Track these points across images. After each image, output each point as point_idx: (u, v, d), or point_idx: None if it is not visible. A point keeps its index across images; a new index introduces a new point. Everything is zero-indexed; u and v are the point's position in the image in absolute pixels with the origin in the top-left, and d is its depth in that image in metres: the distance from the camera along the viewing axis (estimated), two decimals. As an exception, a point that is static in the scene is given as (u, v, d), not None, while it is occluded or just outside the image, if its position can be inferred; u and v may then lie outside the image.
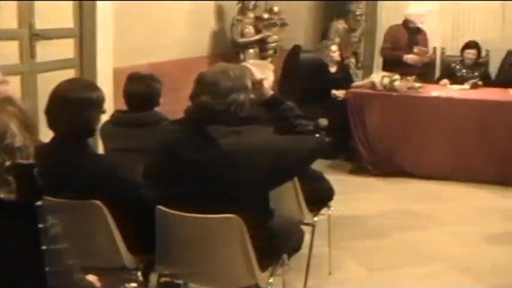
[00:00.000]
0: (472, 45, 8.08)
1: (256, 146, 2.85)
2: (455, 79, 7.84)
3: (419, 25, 8.04)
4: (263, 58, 7.92)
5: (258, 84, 3.16)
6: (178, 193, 2.87)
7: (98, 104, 2.91)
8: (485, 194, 6.48)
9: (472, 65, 8.00)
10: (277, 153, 2.88)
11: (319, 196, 4.04)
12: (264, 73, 3.52)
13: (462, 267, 4.75)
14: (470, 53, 7.99)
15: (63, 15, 5.49)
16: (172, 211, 2.87)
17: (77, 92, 2.87)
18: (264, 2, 8.48)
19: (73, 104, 2.83)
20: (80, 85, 3.02)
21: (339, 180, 6.36)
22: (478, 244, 5.24)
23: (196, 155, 2.82)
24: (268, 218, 3.01)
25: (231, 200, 2.80)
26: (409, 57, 7.84)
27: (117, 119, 3.93)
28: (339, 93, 7.63)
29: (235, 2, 7.93)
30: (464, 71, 7.97)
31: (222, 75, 2.86)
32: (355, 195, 6.27)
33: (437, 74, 8.56)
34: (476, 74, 7.90)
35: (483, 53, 8.38)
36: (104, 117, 3.45)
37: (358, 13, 8.49)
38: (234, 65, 3.06)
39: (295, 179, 3.62)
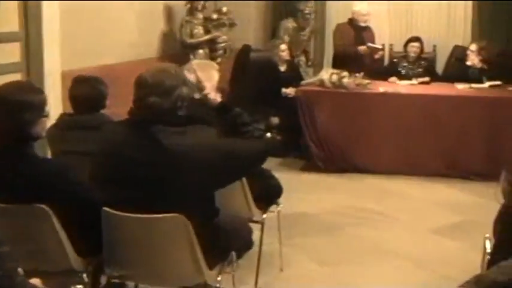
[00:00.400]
0: (414, 39, 8.17)
1: (201, 147, 2.87)
2: (400, 74, 7.91)
3: (363, 24, 8.13)
4: (213, 58, 7.92)
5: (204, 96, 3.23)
6: (125, 195, 2.87)
7: (38, 107, 2.88)
8: (435, 187, 6.58)
9: (415, 59, 8.08)
10: (223, 153, 2.91)
11: (268, 193, 4.07)
12: (208, 73, 3.55)
13: (415, 260, 4.83)
14: (414, 47, 8.07)
15: (7, 16, 5.41)
16: (118, 212, 2.87)
17: (16, 94, 2.84)
18: (213, 2, 8.50)
19: (12, 107, 2.80)
20: (20, 87, 2.99)
21: (290, 177, 6.42)
22: (430, 237, 5.32)
23: (141, 156, 2.83)
24: (214, 216, 3.03)
25: (177, 199, 2.81)
26: (362, 48, 7.93)
27: (63, 122, 3.92)
28: (290, 91, 7.69)
29: (184, 2, 7.93)
30: (408, 65, 8.05)
31: (164, 74, 2.90)
32: (307, 192, 6.32)
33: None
34: (420, 69, 8.01)
35: (430, 48, 8.52)
36: (51, 121, 3.43)
37: (307, 12, 8.52)
38: (168, 63, 3.11)
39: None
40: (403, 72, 7.99)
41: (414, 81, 7.64)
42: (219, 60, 8.05)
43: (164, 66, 3.02)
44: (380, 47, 8.17)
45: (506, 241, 3.09)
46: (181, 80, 2.94)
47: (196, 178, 2.81)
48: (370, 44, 7.93)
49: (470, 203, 6.07)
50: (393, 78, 7.76)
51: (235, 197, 3.71)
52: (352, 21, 8.16)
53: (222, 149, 2.94)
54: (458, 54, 8.47)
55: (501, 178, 3.29)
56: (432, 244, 5.18)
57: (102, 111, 3.96)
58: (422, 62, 8.11)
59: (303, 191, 6.25)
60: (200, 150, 2.84)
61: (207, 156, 2.83)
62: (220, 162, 2.87)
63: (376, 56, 8.09)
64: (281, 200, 4.33)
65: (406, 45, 8.18)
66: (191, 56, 7.78)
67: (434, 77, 7.89)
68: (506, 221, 3.13)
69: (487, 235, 3.46)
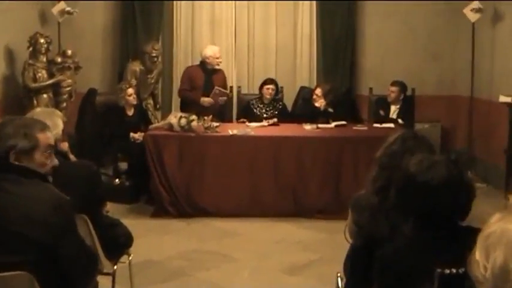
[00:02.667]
0: (269, 81, 8.28)
1: (46, 201, 2.75)
2: (254, 117, 8.01)
3: (216, 67, 8.20)
4: (57, 103, 7.73)
5: None
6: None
7: None
8: (282, 227, 6.64)
9: (270, 101, 8.21)
10: (65, 215, 2.81)
11: (117, 244, 3.96)
12: (52, 121, 3.44)
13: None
14: (269, 89, 8.16)
15: None
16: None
17: None
18: (56, 45, 8.31)
19: None
20: None
21: (141, 223, 6.33)
22: (278, 276, 5.37)
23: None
24: (60, 269, 2.89)
25: (21, 254, 2.68)
26: (206, 101, 7.97)
27: None
28: (138, 135, 7.58)
29: (26, 45, 7.69)
30: (262, 108, 8.16)
31: (8, 122, 2.83)
32: (157, 238, 6.25)
33: (234, 112, 8.76)
34: (275, 111, 8.13)
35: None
36: None
37: (154, 54, 8.45)
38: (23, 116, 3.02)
39: (91, 227, 3.54)
40: (258, 113, 8.09)
41: (265, 122, 7.74)
42: (64, 104, 7.87)
43: (12, 117, 2.93)
44: (227, 91, 8.24)
45: (356, 280, 3.19)
46: (21, 133, 2.82)
47: (36, 232, 2.69)
48: (216, 88, 7.99)
49: (317, 241, 6.18)
50: (242, 120, 7.86)
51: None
52: (203, 64, 8.19)
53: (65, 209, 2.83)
54: (305, 95, 8.72)
55: (348, 218, 3.39)
56: (281, 283, 5.24)
57: None
58: (277, 104, 8.26)
59: (153, 237, 6.18)
60: (45, 203, 2.73)
61: (50, 212, 2.72)
62: (62, 220, 2.77)
63: (221, 103, 8.15)
64: (131, 248, 4.23)
65: (261, 87, 8.28)
66: (34, 101, 7.55)
67: (288, 119, 8.02)
68: (355, 260, 3.23)
69: (339, 273, 3.54)
